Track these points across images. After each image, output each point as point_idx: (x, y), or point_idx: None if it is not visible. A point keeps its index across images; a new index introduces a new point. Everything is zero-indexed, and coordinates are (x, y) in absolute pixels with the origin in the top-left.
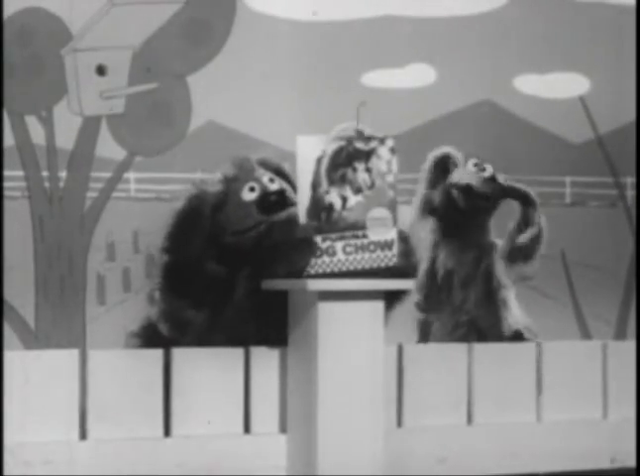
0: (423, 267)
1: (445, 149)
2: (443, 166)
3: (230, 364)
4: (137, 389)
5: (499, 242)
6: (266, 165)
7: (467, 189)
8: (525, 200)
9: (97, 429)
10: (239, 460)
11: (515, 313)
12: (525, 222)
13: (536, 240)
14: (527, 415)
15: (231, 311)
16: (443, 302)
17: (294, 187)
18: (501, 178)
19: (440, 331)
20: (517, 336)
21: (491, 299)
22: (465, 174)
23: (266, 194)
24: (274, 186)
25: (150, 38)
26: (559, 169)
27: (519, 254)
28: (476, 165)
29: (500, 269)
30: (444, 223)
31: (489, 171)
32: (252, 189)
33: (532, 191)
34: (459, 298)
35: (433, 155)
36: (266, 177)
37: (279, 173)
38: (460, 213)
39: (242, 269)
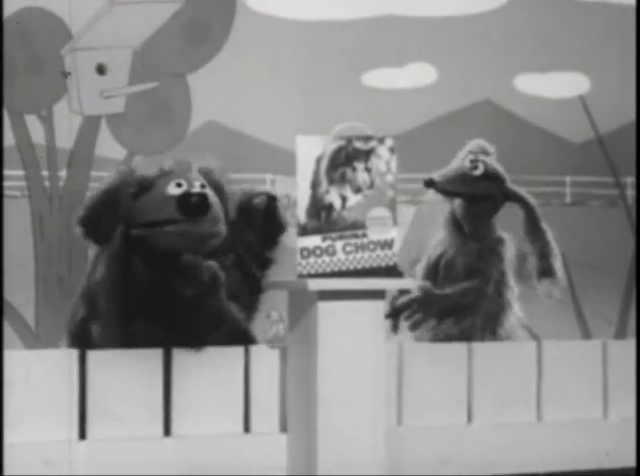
0: (423, 264)
1: None
2: None
3: (229, 364)
4: (137, 389)
5: (507, 237)
6: (207, 175)
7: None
8: (525, 204)
9: (97, 429)
10: (239, 460)
11: (516, 312)
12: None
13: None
14: (527, 415)
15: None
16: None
17: (226, 207)
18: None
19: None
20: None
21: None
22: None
23: (188, 193)
24: (200, 190)
25: (150, 37)
26: (559, 168)
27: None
28: (471, 161)
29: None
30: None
31: (480, 170)
32: (179, 185)
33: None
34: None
35: None
36: (198, 181)
37: (218, 189)
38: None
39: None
